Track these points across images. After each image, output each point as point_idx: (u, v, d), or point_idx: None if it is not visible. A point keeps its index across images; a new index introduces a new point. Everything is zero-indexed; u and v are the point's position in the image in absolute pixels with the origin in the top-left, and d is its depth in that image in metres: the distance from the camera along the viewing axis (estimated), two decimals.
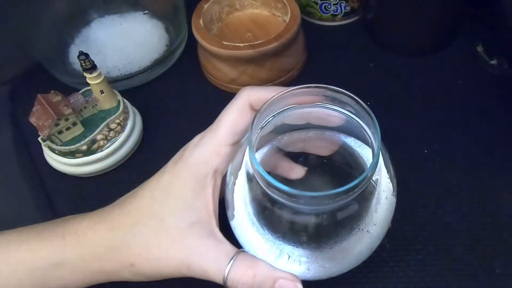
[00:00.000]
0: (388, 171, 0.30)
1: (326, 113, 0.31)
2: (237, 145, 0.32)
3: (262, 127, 0.30)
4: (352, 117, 0.30)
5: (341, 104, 0.30)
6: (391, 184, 0.31)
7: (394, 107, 0.46)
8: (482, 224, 0.38)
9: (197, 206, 0.31)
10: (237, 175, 0.31)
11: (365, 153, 0.32)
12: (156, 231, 0.30)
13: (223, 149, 0.31)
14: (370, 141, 0.29)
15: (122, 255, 0.31)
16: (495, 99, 0.46)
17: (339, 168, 0.34)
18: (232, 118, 0.31)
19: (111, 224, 0.32)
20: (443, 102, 0.46)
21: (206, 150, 0.31)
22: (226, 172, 0.32)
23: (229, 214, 0.32)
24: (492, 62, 0.48)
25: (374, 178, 0.28)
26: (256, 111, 0.29)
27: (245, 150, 0.30)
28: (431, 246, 0.37)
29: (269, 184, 0.26)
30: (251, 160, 0.27)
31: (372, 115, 0.28)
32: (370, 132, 0.29)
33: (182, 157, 0.32)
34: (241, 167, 0.30)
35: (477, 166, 0.41)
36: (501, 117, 0.44)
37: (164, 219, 0.30)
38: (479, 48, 0.49)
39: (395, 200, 0.31)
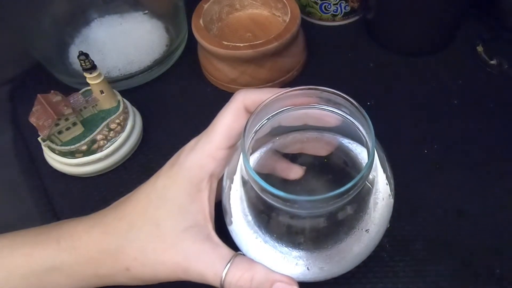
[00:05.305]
0: (384, 171, 0.30)
1: (323, 114, 0.31)
2: (233, 148, 0.32)
3: (257, 130, 0.30)
4: (347, 118, 0.30)
5: (336, 105, 0.30)
6: (388, 185, 0.31)
7: (394, 107, 0.46)
8: (482, 224, 0.38)
9: (193, 210, 0.30)
10: (232, 179, 0.31)
11: (363, 154, 0.32)
12: (152, 236, 0.30)
13: (218, 152, 0.31)
14: (365, 141, 0.29)
15: (117, 260, 0.31)
16: (495, 99, 0.46)
17: (337, 168, 0.33)
18: (227, 121, 0.31)
19: (106, 229, 0.31)
20: (443, 102, 0.46)
21: (201, 154, 0.31)
22: (223, 175, 0.32)
23: (226, 217, 0.32)
24: (492, 62, 0.48)
25: (370, 179, 0.28)
26: (250, 114, 0.29)
27: (240, 154, 0.29)
28: (431, 246, 0.37)
29: (263, 189, 0.26)
30: (244, 166, 0.27)
31: (366, 115, 0.28)
32: (365, 133, 0.29)
33: (178, 160, 0.32)
34: (236, 171, 0.30)
35: (477, 166, 0.41)
36: (501, 117, 0.44)
37: (160, 224, 0.30)
38: (479, 48, 0.49)
39: (392, 200, 0.31)
